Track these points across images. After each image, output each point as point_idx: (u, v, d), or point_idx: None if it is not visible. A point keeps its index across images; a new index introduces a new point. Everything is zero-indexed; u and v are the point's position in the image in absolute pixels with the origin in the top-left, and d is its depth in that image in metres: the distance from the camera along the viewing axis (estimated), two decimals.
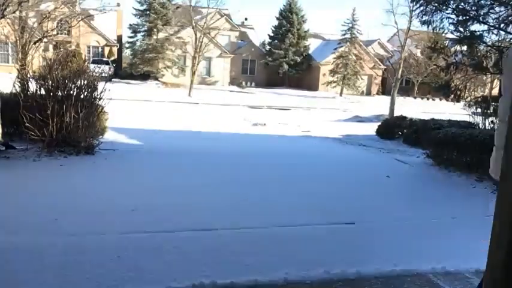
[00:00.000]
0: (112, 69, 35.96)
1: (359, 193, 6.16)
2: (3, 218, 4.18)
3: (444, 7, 8.08)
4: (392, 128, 13.62)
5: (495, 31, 8.47)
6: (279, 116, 21.10)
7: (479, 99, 17.60)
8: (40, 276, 3.04)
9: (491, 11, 7.81)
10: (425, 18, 8.39)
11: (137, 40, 42.22)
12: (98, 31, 39.74)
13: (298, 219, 4.71)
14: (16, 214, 4.34)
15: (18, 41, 10.16)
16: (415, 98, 38.75)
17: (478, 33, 8.05)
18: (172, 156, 8.03)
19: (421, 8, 8.31)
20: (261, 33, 50.97)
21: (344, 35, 42.33)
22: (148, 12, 40.25)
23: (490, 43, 8.68)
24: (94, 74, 7.94)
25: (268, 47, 46.13)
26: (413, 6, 12.45)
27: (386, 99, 29.38)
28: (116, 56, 42.22)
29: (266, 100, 30.72)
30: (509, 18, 7.89)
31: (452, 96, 10.35)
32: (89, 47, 40.30)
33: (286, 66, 43.85)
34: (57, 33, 18.66)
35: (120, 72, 40.42)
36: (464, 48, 8.60)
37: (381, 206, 5.52)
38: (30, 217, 4.27)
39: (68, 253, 3.48)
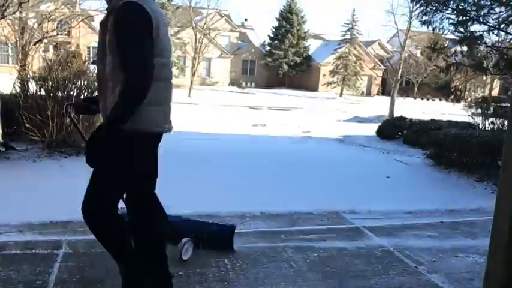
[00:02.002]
0: None
1: (359, 193, 6.16)
2: (3, 219, 4.19)
3: (444, 7, 8.08)
4: (392, 129, 13.61)
5: (495, 31, 8.48)
6: (279, 117, 21.11)
7: (479, 99, 17.62)
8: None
9: (491, 11, 7.82)
10: (425, 18, 8.40)
11: None
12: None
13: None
14: (16, 214, 4.34)
15: (18, 42, 10.17)
16: (415, 98, 38.76)
17: (478, 33, 8.06)
18: (172, 157, 8.01)
19: (421, 9, 8.32)
20: (261, 34, 50.98)
21: (344, 35, 42.37)
22: None
23: (490, 43, 8.69)
24: (94, 75, 7.93)
25: (268, 48, 46.14)
26: (413, 7, 12.51)
27: (386, 100, 29.39)
28: None
29: (266, 101, 30.74)
30: (510, 18, 7.89)
31: (452, 96, 10.37)
32: (89, 47, 40.30)
33: (286, 67, 43.87)
34: (57, 34, 18.69)
35: None
36: (465, 48, 8.61)
37: (380, 207, 5.51)
38: (30, 218, 4.27)
39: (69, 259, 3.48)
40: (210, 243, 3.59)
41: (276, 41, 44.81)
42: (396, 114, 19.86)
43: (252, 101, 30.44)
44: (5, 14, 8.60)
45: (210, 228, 3.76)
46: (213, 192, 5.55)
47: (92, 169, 2.61)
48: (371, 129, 14.75)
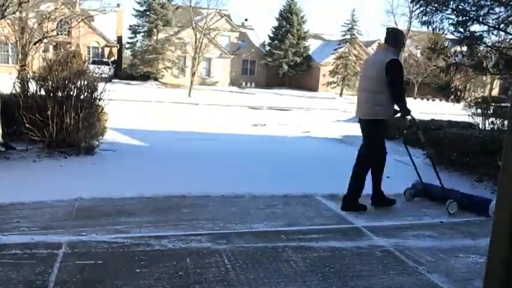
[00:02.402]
0: (112, 70, 35.97)
1: None
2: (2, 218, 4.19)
3: (444, 8, 8.08)
4: (392, 129, 13.59)
5: (495, 32, 8.48)
6: (279, 117, 21.11)
7: (479, 99, 17.64)
8: None
9: (491, 11, 7.81)
10: (425, 18, 8.39)
11: (137, 41, 42.26)
12: (98, 32, 39.79)
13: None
14: (15, 214, 4.35)
15: (18, 42, 10.15)
16: (415, 98, 38.74)
17: (478, 33, 8.06)
18: (172, 157, 8.03)
19: (421, 9, 8.32)
20: (261, 34, 51.07)
21: (344, 35, 42.40)
22: (148, 12, 40.28)
23: (490, 44, 8.70)
24: (94, 74, 7.93)
25: (268, 48, 46.19)
26: (413, 7, 12.51)
27: None
28: (116, 57, 42.24)
29: (266, 101, 30.74)
30: (509, 18, 7.89)
31: (452, 96, 10.41)
32: (89, 47, 40.33)
33: (286, 67, 43.89)
34: (57, 34, 18.72)
35: (120, 73, 40.46)
36: (464, 48, 8.61)
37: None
38: (30, 218, 4.28)
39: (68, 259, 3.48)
40: (470, 208, 5.19)
41: (276, 41, 44.82)
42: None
43: (252, 101, 30.44)
44: (5, 14, 8.59)
45: (472, 198, 5.36)
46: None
47: None
48: None
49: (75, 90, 7.40)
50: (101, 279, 3.10)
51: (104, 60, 38.19)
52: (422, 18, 8.41)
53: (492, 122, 9.41)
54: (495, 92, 39.47)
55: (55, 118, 7.07)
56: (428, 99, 38.84)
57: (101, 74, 8.90)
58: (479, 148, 7.07)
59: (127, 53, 45.73)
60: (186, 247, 3.75)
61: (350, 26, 41.88)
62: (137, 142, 9.78)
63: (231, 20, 45.66)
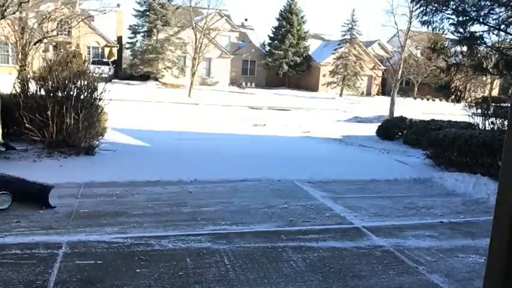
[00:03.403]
0: (112, 70, 35.93)
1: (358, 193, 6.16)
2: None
3: (444, 8, 8.09)
4: (392, 129, 13.61)
5: (495, 32, 8.49)
6: (279, 117, 21.11)
7: (479, 100, 17.61)
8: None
9: (491, 12, 7.82)
10: (425, 18, 8.41)
11: (137, 41, 42.23)
12: (98, 32, 39.75)
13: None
14: (16, 214, 4.34)
15: (18, 42, 10.15)
16: (415, 98, 38.75)
17: (478, 34, 8.06)
18: (172, 157, 8.03)
19: (421, 9, 8.32)
20: (261, 34, 51.04)
21: (344, 35, 42.37)
22: (148, 12, 40.27)
23: (490, 44, 8.70)
24: (94, 74, 7.93)
25: (268, 48, 46.16)
26: (413, 7, 12.51)
27: (386, 100, 29.38)
28: (116, 57, 42.22)
29: (266, 101, 30.73)
30: (510, 19, 7.89)
31: (452, 97, 10.37)
32: (89, 47, 40.29)
33: (286, 67, 43.86)
34: (57, 34, 18.69)
35: (120, 73, 40.42)
36: (465, 49, 8.61)
37: (379, 207, 5.51)
38: (30, 218, 4.27)
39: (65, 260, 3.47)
40: (27, 199, 4.47)
41: (276, 41, 44.77)
42: (396, 114, 19.86)
43: (252, 101, 30.42)
44: (5, 14, 8.59)
45: (32, 186, 4.57)
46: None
47: None
48: (371, 129, 14.74)
49: (75, 90, 7.40)
50: (101, 279, 3.10)
51: (104, 60, 38.15)
52: (422, 18, 8.42)
53: (492, 122, 9.40)
54: (495, 92, 39.44)
55: (55, 118, 7.07)
56: (428, 99, 38.81)
57: (101, 74, 8.90)
58: (479, 148, 7.07)
59: (127, 53, 45.71)
60: (186, 247, 3.75)
61: (350, 26, 41.82)
62: (137, 142, 9.78)
63: (231, 20, 45.63)
